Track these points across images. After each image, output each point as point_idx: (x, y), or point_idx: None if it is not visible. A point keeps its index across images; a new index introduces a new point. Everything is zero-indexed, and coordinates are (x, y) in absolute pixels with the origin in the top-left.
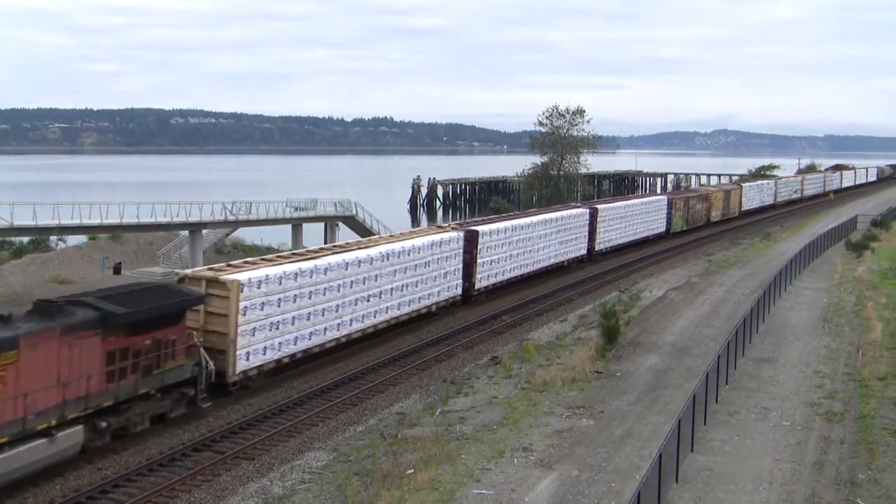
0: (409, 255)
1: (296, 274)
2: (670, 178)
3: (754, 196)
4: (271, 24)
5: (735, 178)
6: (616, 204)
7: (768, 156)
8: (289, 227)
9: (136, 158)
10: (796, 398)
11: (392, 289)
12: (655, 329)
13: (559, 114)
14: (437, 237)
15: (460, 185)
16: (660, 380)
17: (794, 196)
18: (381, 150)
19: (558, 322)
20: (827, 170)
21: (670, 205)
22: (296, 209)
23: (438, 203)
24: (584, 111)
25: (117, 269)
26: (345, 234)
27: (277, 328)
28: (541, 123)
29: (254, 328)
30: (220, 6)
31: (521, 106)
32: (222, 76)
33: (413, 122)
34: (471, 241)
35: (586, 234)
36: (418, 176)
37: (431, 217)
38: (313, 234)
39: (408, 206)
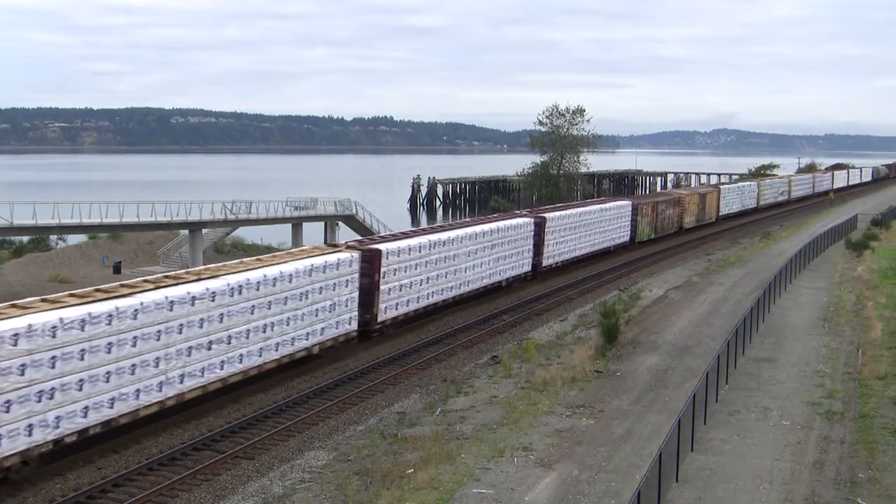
0: (273, 284)
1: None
2: (670, 177)
3: (734, 199)
4: (271, 24)
5: (735, 177)
6: (569, 212)
7: (769, 155)
8: (289, 226)
9: (136, 158)
10: (796, 397)
11: (248, 330)
12: (655, 328)
13: (559, 113)
14: (318, 260)
15: (460, 185)
16: (660, 379)
17: (781, 198)
18: (381, 150)
19: (558, 321)
20: (819, 170)
21: (635, 211)
22: (296, 208)
23: (438, 202)
24: (584, 110)
25: (117, 269)
26: (345, 233)
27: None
28: (541, 123)
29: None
30: (220, 5)
31: (521, 105)
32: (222, 75)
33: (413, 122)
34: (371, 262)
35: (531, 247)
36: (418, 175)
37: (431, 216)
38: (313, 234)
39: (408, 206)
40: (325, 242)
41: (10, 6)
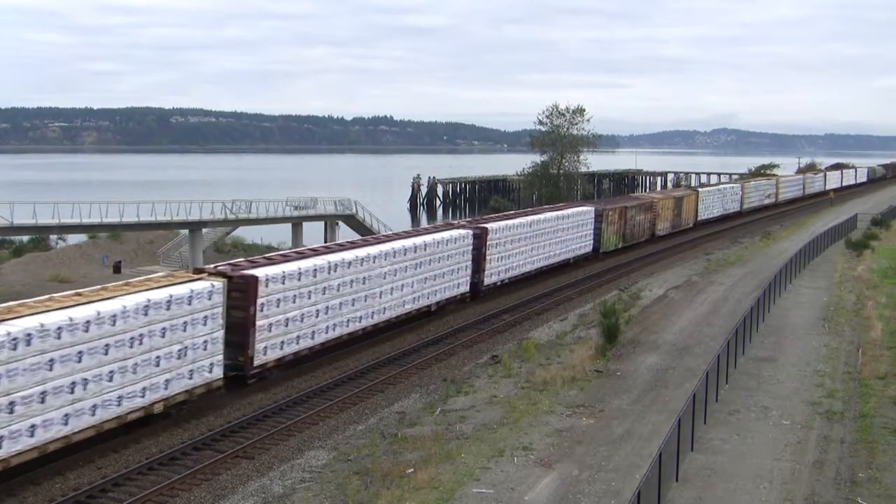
0: (85, 330)
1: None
2: (670, 176)
3: (714, 203)
4: (271, 23)
5: (735, 176)
6: (517, 221)
7: (769, 154)
8: (289, 225)
9: (136, 157)
10: (796, 397)
11: (44, 393)
12: (655, 328)
13: (559, 113)
14: (159, 294)
15: (460, 184)
16: (660, 379)
17: (767, 201)
18: (381, 149)
19: (558, 321)
20: (817, 169)
21: (599, 217)
22: (296, 208)
23: (438, 202)
24: (584, 110)
25: (117, 268)
26: (345, 232)
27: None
28: (541, 122)
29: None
30: (220, 5)
31: (521, 105)
32: (222, 75)
33: (413, 121)
34: (244, 291)
35: (468, 263)
36: (418, 175)
37: (431, 216)
38: (313, 233)
39: (408, 206)
40: (325, 242)
41: (10, 6)
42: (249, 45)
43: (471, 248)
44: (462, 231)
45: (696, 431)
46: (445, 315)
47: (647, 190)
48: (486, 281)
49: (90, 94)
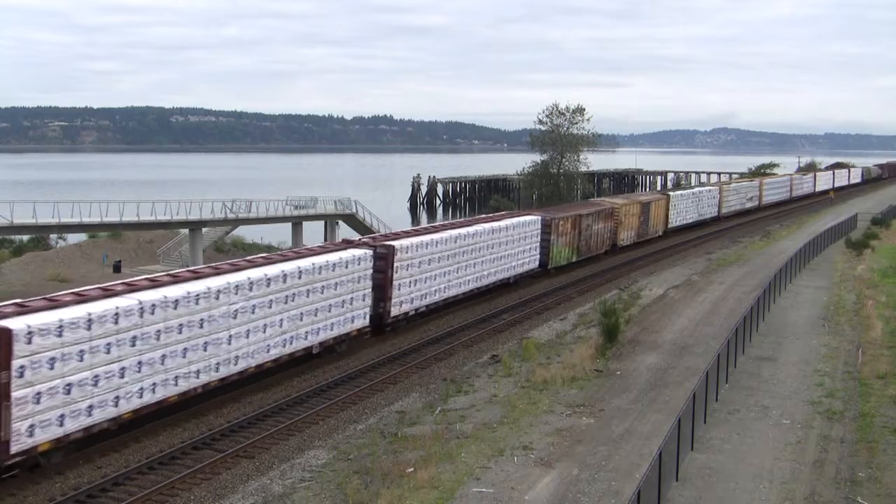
0: None
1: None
2: (670, 175)
3: (687, 208)
4: (271, 23)
5: (735, 175)
6: (437, 236)
7: (769, 154)
8: (289, 225)
9: (136, 157)
10: (796, 397)
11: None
12: (655, 327)
13: (559, 112)
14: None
15: (460, 184)
16: (660, 378)
17: (749, 205)
18: (382, 149)
19: (558, 320)
20: (819, 169)
21: (547, 228)
22: (296, 207)
23: (438, 201)
24: (584, 109)
25: (117, 268)
26: (345, 232)
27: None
28: (541, 122)
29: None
30: (220, 4)
31: (522, 104)
32: (222, 74)
33: (413, 121)
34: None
35: (368, 291)
36: (418, 174)
37: (431, 215)
38: (313, 233)
39: (408, 205)
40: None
41: (10, 5)
42: (249, 45)
43: (370, 271)
44: (358, 252)
45: (696, 431)
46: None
47: (647, 189)
48: (395, 311)
49: (90, 93)
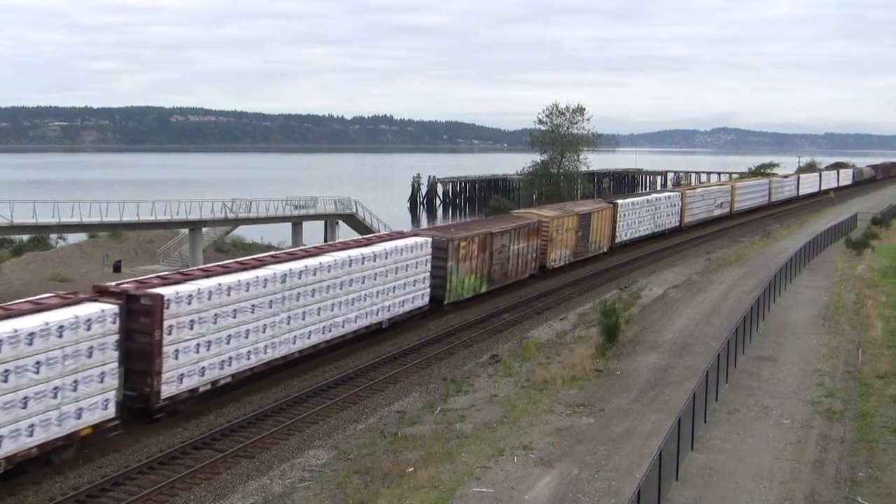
0: None
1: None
2: (670, 175)
3: (640, 218)
4: (271, 22)
5: (735, 175)
6: (242, 277)
7: (769, 154)
8: (289, 225)
9: (137, 156)
10: (796, 396)
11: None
12: (655, 327)
13: (559, 112)
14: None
15: (460, 183)
16: (660, 378)
17: (719, 212)
18: (382, 148)
19: (558, 320)
20: (810, 170)
21: (443, 251)
22: (296, 207)
23: (438, 201)
24: (584, 109)
25: (117, 267)
26: (345, 232)
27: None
28: (541, 121)
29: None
30: (219, 4)
31: (522, 104)
32: (222, 74)
33: (413, 121)
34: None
35: (112, 368)
36: (418, 174)
37: (431, 215)
38: (313, 233)
39: (408, 205)
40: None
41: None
42: (249, 44)
43: (115, 339)
44: (92, 309)
45: (696, 430)
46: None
47: (647, 188)
48: (168, 391)
49: (90, 92)
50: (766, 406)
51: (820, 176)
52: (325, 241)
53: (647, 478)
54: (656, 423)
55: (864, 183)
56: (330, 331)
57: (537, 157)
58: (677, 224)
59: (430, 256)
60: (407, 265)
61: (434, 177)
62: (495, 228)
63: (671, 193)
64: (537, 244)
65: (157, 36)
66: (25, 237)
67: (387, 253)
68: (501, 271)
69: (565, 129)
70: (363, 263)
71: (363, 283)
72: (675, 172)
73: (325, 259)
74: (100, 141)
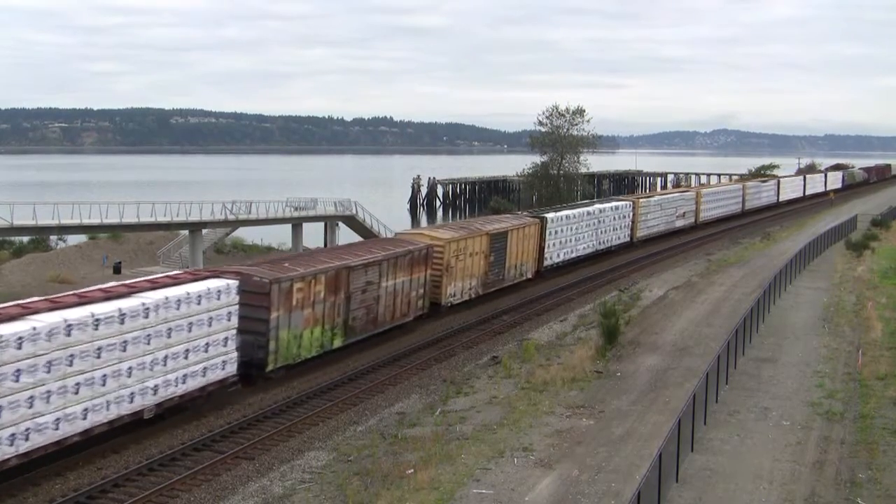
0: None
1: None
2: (670, 177)
3: (578, 234)
4: (271, 24)
5: (735, 177)
6: None
7: (768, 155)
8: (289, 226)
9: (136, 158)
10: (796, 398)
11: None
12: (655, 328)
13: (559, 113)
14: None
15: (460, 185)
16: (660, 379)
17: (681, 223)
18: (382, 150)
19: (558, 321)
20: (810, 171)
21: (263, 298)
22: (296, 209)
23: (438, 202)
24: (584, 111)
25: (117, 269)
26: (345, 233)
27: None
28: (541, 123)
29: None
30: (219, 5)
31: (521, 105)
32: (222, 75)
33: (413, 122)
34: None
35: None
36: (418, 175)
37: (432, 217)
38: (313, 234)
39: (408, 206)
40: (325, 242)
41: (9, 6)
42: (249, 46)
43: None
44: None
45: (696, 432)
46: None
47: (647, 190)
48: None
49: (90, 94)
50: (766, 407)
51: (805, 180)
52: (325, 243)
53: (647, 479)
54: (656, 425)
55: (856, 186)
56: (26, 439)
57: (537, 159)
58: (628, 239)
59: (238, 306)
60: (189, 323)
61: (434, 178)
62: (355, 260)
63: (619, 203)
64: (426, 276)
65: (157, 37)
66: (25, 239)
67: (146, 309)
68: (367, 317)
69: (565, 130)
70: (97, 329)
71: (98, 357)
72: (676, 174)
73: (18, 328)
74: (100, 142)
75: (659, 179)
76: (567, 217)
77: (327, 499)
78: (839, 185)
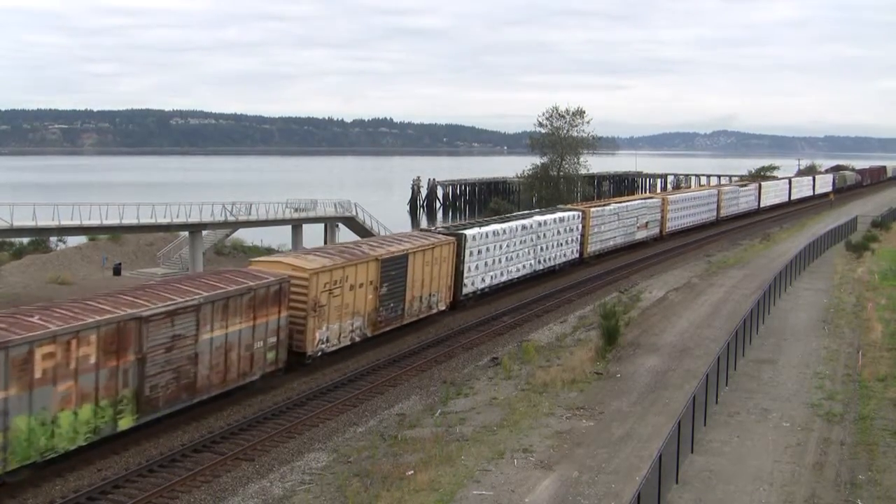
0: None
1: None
2: (670, 178)
3: (513, 254)
4: (271, 25)
5: (735, 178)
6: None
7: (768, 157)
8: (289, 227)
9: (136, 159)
10: (796, 399)
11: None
12: (655, 330)
13: (559, 115)
14: (564, 214)
15: (460, 186)
16: (660, 381)
17: (644, 235)
18: (381, 151)
19: (558, 323)
20: (810, 172)
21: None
22: (296, 210)
23: (438, 204)
24: (584, 112)
25: (117, 270)
26: (345, 235)
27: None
28: (540, 124)
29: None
30: (219, 6)
31: (521, 106)
32: (222, 77)
33: (413, 123)
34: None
35: None
36: (418, 177)
37: (431, 218)
38: (313, 235)
39: (407, 207)
40: (325, 244)
41: (9, 7)
42: (249, 47)
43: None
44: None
45: (696, 433)
46: None
47: (647, 191)
48: None
49: (90, 95)
50: (765, 409)
51: (790, 183)
52: (325, 243)
53: (647, 480)
54: (656, 426)
55: (847, 190)
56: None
57: (537, 160)
58: (577, 256)
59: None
60: None
61: (434, 179)
62: (152, 307)
63: (566, 214)
64: (279, 321)
65: (157, 39)
66: (25, 240)
67: None
68: (178, 383)
69: (565, 131)
70: None
71: None
72: (676, 175)
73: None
74: (100, 144)
75: (659, 181)
76: (494, 233)
77: (327, 500)
78: (829, 189)
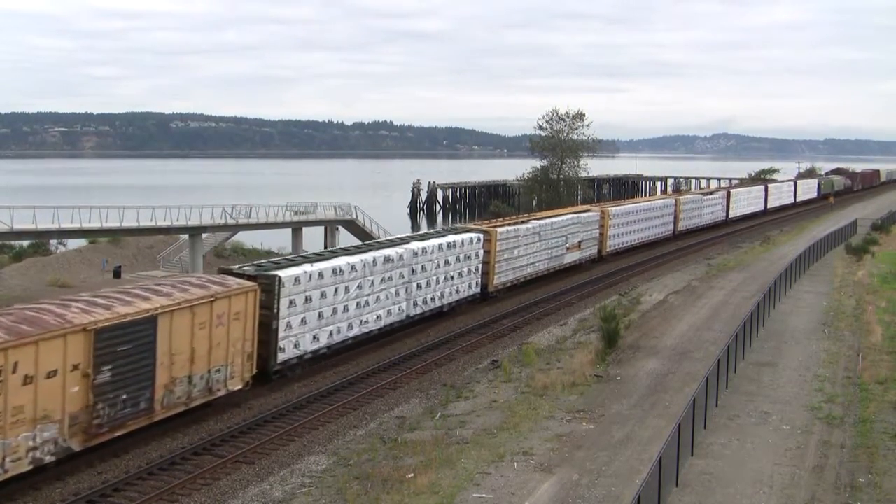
0: None
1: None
2: (670, 181)
3: (372, 297)
4: (271, 28)
5: (735, 181)
6: None
7: (768, 159)
8: (289, 230)
9: (137, 162)
10: (796, 402)
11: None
12: (655, 333)
13: (559, 117)
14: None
15: (460, 189)
16: (660, 384)
17: (577, 257)
18: (381, 154)
19: (558, 326)
20: (809, 175)
21: None
22: (296, 213)
23: (438, 207)
24: (584, 115)
25: (117, 273)
26: (345, 237)
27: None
28: (541, 127)
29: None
30: (219, 9)
31: (521, 109)
32: (222, 80)
33: (413, 126)
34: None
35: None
36: (418, 179)
37: (431, 221)
38: (313, 238)
39: (408, 210)
40: (325, 246)
41: (9, 10)
42: (249, 50)
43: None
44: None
45: (696, 436)
46: None
47: (648, 194)
48: None
49: (90, 98)
50: (766, 412)
51: (766, 190)
52: (325, 246)
53: (647, 483)
54: (656, 429)
55: (836, 195)
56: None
57: (537, 163)
58: (478, 291)
59: None
60: None
61: (434, 182)
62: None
63: (458, 238)
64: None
65: (157, 42)
66: (25, 243)
67: None
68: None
69: (565, 134)
70: None
71: None
72: (676, 178)
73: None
74: (100, 147)
75: (659, 183)
76: (334, 271)
77: (327, 503)
78: (814, 195)
